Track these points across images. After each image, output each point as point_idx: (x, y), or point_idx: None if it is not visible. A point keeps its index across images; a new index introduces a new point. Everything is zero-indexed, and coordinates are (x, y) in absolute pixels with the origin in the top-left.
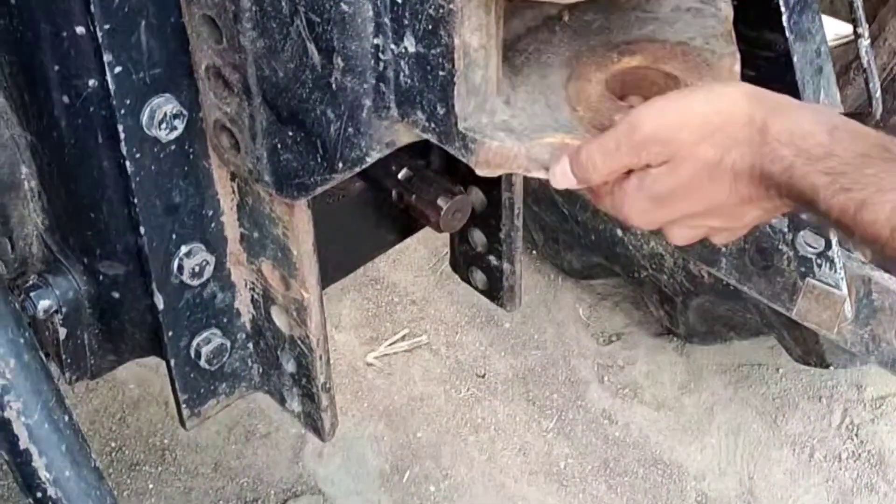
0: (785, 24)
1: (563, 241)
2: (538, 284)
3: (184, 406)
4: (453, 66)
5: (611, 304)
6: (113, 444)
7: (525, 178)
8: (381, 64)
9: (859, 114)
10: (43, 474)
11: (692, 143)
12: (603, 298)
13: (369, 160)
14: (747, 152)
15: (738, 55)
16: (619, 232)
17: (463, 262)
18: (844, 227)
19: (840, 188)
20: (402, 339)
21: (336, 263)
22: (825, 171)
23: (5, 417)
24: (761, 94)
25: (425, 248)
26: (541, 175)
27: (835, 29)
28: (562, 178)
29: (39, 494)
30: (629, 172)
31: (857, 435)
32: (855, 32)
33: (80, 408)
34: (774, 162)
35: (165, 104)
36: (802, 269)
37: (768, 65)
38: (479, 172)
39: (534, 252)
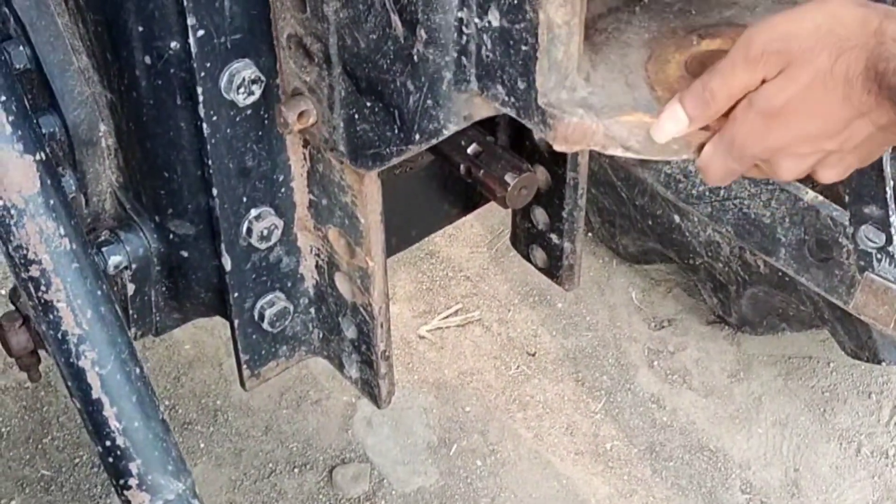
0: None
1: (620, 224)
2: (592, 266)
3: (244, 366)
4: (536, 41)
5: (664, 290)
6: (167, 403)
7: (589, 158)
8: (464, 37)
9: None
10: (113, 424)
11: (805, 49)
12: (656, 284)
13: (446, 133)
14: (861, 55)
15: None
16: (676, 218)
17: (524, 239)
18: None
19: None
20: (455, 313)
21: (400, 234)
22: None
23: (80, 366)
24: (873, 3)
25: (481, 225)
26: (617, 152)
27: None
28: (672, 123)
29: (108, 443)
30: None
31: None
32: None
33: None
34: (891, 60)
35: (244, 69)
36: (862, 263)
37: None
38: (557, 148)
39: (589, 234)
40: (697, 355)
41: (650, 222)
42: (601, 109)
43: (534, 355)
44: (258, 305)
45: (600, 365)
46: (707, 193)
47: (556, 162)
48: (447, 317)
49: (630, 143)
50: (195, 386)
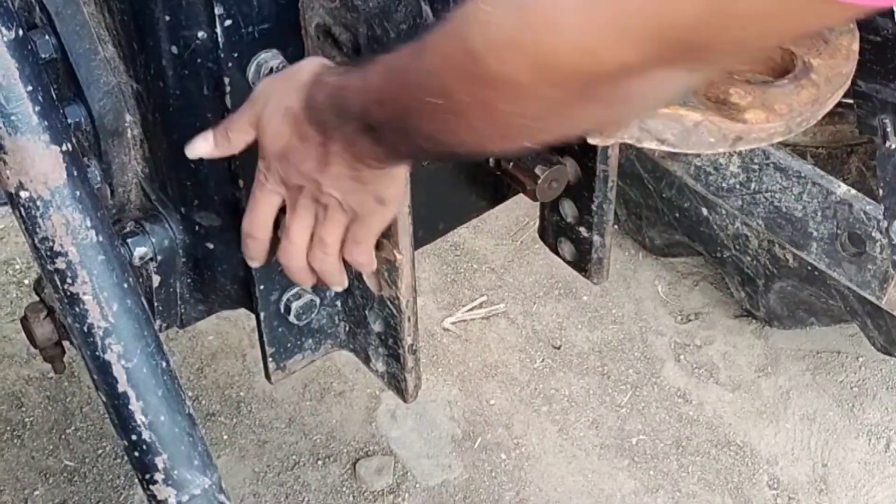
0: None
1: (646, 217)
2: (618, 259)
3: (270, 359)
4: None
5: (690, 283)
6: (190, 394)
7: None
8: None
9: None
10: (139, 417)
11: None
12: (683, 277)
13: None
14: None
15: (857, 33)
16: (704, 211)
17: (552, 232)
18: None
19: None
20: (480, 306)
21: (427, 226)
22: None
23: (105, 360)
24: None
25: (506, 217)
26: (652, 146)
27: None
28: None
29: (134, 437)
30: None
31: None
32: None
33: None
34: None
35: (272, 59)
36: (895, 258)
37: (874, 49)
38: (591, 141)
39: (616, 227)
40: (724, 349)
41: (677, 215)
42: None
43: (559, 348)
44: (284, 298)
45: (626, 358)
46: (738, 187)
47: (586, 154)
48: (472, 309)
49: (665, 135)
50: (218, 377)
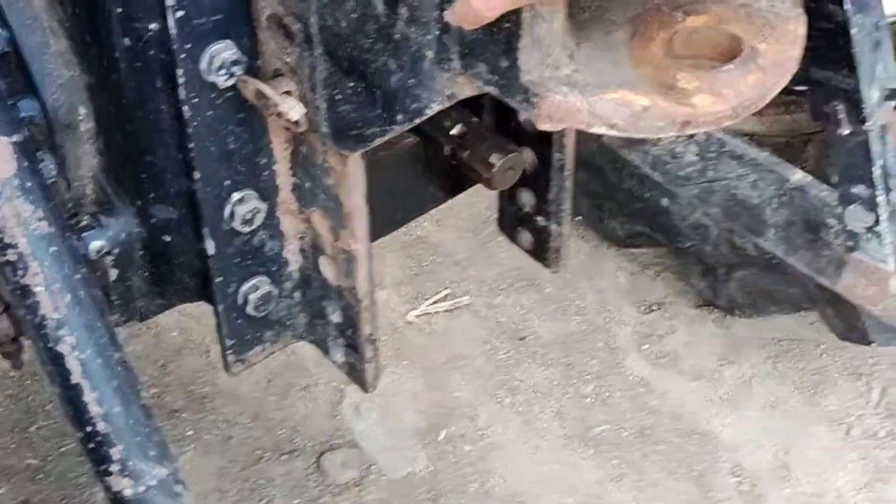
0: None
1: (608, 208)
2: (581, 251)
3: (229, 352)
4: (519, 17)
5: (653, 274)
6: (154, 391)
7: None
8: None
9: None
10: (93, 409)
11: None
12: (645, 267)
13: (429, 112)
14: None
15: (804, 18)
16: (665, 201)
17: (511, 221)
18: None
19: None
20: (444, 298)
21: (385, 217)
22: None
23: (58, 351)
24: None
25: (469, 211)
26: (602, 130)
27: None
28: None
29: (89, 429)
30: None
31: (895, 414)
32: None
33: None
34: None
35: (225, 50)
36: (850, 244)
37: (824, 36)
38: (541, 127)
39: (578, 218)
40: (687, 339)
41: (638, 205)
42: (585, 87)
43: (523, 340)
44: (242, 290)
45: (589, 349)
46: (695, 175)
47: (543, 143)
48: (436, 302)
49: (615, 120)
50: (182, 373)
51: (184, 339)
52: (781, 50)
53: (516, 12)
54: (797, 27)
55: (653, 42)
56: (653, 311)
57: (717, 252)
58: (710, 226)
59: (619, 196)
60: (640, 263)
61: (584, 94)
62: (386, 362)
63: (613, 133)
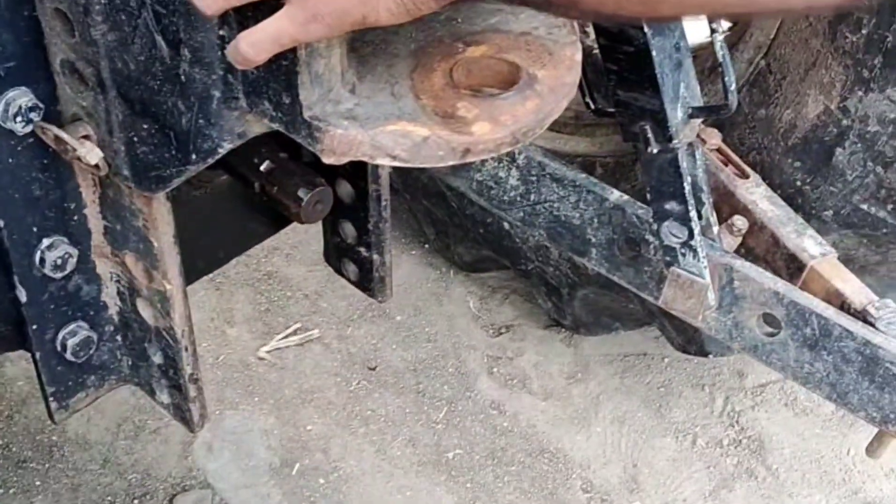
0: None
1: (453, 234)
2: (430, 278)
3: (52, 399)
4: (296, 55)
5: (501, 297)
6: (0, 442)
7: (402, 170)
8: None
9: (719, 107)
10: None
11: None
12: (494, 291)
13: (221, 151)
14: None
15: (579, 45)
16: (506, 225)
17: (335, 253)
18: None
19: None
20: (294, 333)
21: (206, 256)
22: None
23: None
24: None
25: (318, 244)
26: (385, 161)
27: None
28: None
29: None
30: None
31: (737, 422)
32: (710, 28)
33: None
34: None
35: (21, 97)
36: (668, 259)
37: (628, 59)
38: (325, 160)
39: (426, 246)
40: (536, 359)
41: (481, 230)
42: (367, 120)
43: (374, 369)
44: (60, 336)
45: (441, 375)
46: (518, 199)
47: (359, 175)
48: (286, 336)
49: (396, 151)
50: (29, 423)
51: (30, 388)
52: (558, 76)
53: (293, 50)
54: (573, 52)
55: (434, 73)
56: (502, 333)
57: (559, 272)
58: (549, 247)
59: (463, 222)
60: (488, 287)
61: (365, 127)
62: (237, 400)
63: (397, 164)
